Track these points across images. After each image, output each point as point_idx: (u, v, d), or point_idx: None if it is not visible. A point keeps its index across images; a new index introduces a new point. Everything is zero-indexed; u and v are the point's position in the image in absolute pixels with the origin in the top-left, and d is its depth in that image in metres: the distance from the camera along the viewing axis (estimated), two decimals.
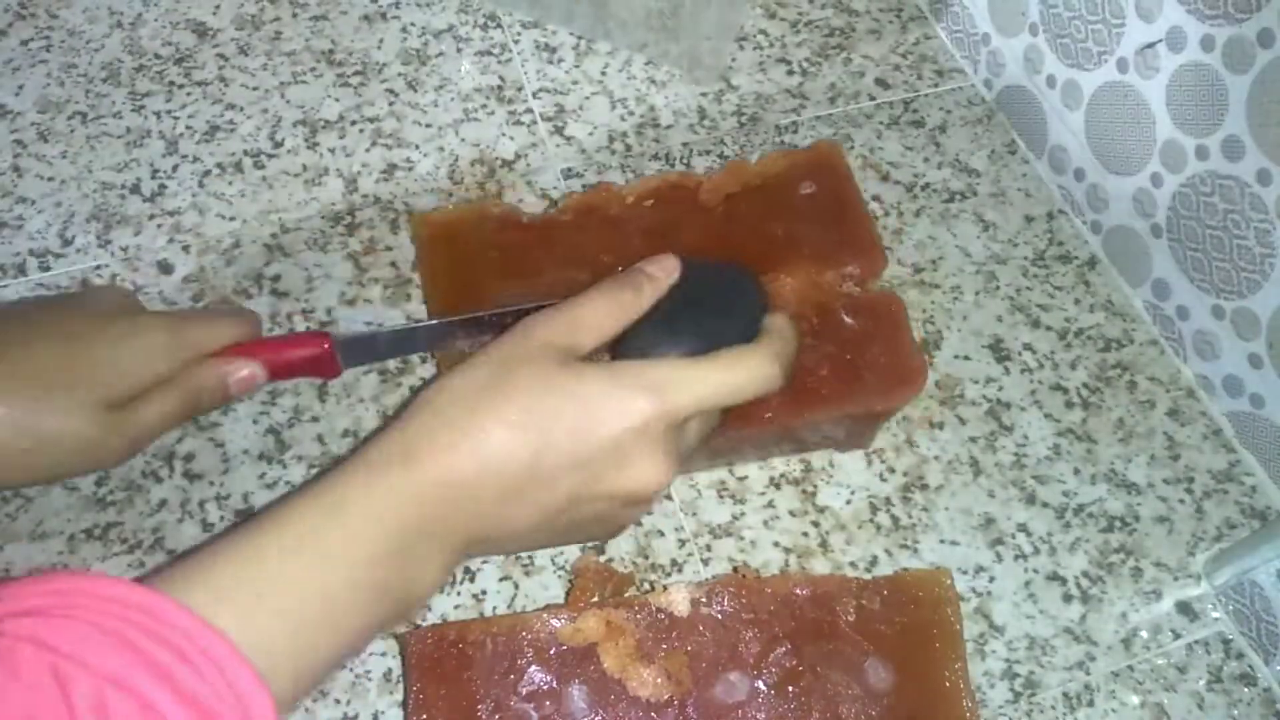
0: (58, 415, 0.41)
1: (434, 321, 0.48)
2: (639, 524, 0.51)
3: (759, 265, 0.49)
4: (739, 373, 0.39)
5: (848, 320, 0.50)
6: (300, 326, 0.55)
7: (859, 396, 0.48)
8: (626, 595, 0.48)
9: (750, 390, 0.40)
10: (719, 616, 0.44)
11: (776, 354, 0.41)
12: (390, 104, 0.63)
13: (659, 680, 0.43)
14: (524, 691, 0.42)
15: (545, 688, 0.42)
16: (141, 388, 0.43)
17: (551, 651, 0.43)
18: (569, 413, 0.37)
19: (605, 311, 0.40)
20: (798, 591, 0.45)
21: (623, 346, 0.41)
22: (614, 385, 0.37)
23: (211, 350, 0.46)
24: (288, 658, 0.32)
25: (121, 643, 0.28)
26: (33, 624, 0.28)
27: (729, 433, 0.46)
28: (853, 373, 0.48)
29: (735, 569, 0.49)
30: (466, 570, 0.49)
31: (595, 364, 0.39)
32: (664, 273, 0.43)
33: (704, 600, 0.44)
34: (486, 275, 0.51)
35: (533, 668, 0.43)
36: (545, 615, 0.44)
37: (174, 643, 0.29)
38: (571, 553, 0.50)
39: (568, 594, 0.48)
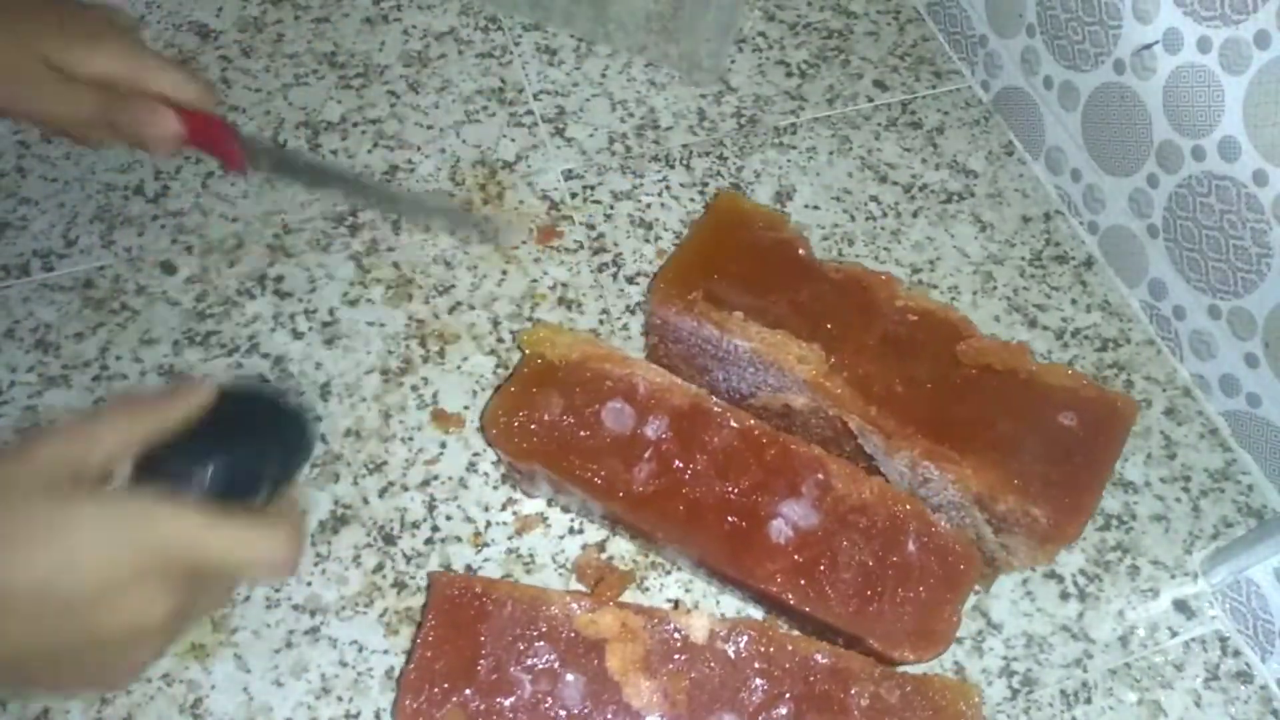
0: (9, 43, 0.45)
1: (347, 171, 0.49)
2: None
3: (951, 437, 0.46)
4: (253, 542, 0.36)
5: (912, 547, 0.46)
6: (303, 327, 0.55)
7: (862, 623, 0.44)
8: (633, 597, 0.48)
9: (261, 568, 0.37)
10: (733, 655, 0.44)
11: (295, 536, 0.37)
12: (392, 105, 0.63)
13: (655, 696, 0.43)
14: (526, 662, 0.43)
15: (546, 666, 0.43)
16: (84, 77, 0.46)
17: (564, 634, 0.43)
18: (48, 546, 0.33)
19: (121, 428, 0.36)
20: (818, 658, 0.44)
21: (148, 471, 0.37)
22: (104, 516, 0.34)
23: (155, 94, 0.48)
24: None
25: None
26: None
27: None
28: (874, 597, 0.45)
29: (764, 619, 0.48)
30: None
31: (93, 492, 0.35)
32: (192, 396, 0.38)
33: (723, 635, 0.44)
34: (734, 267, 0.51)
35: (541, 643, 0.43)
36: (569, 599, 0.44)
37: None
38: (572, 549, 0.50)
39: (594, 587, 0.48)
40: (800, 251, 0.52)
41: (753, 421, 0.48)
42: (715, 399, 0.48)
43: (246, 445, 0.39)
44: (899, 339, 0.50)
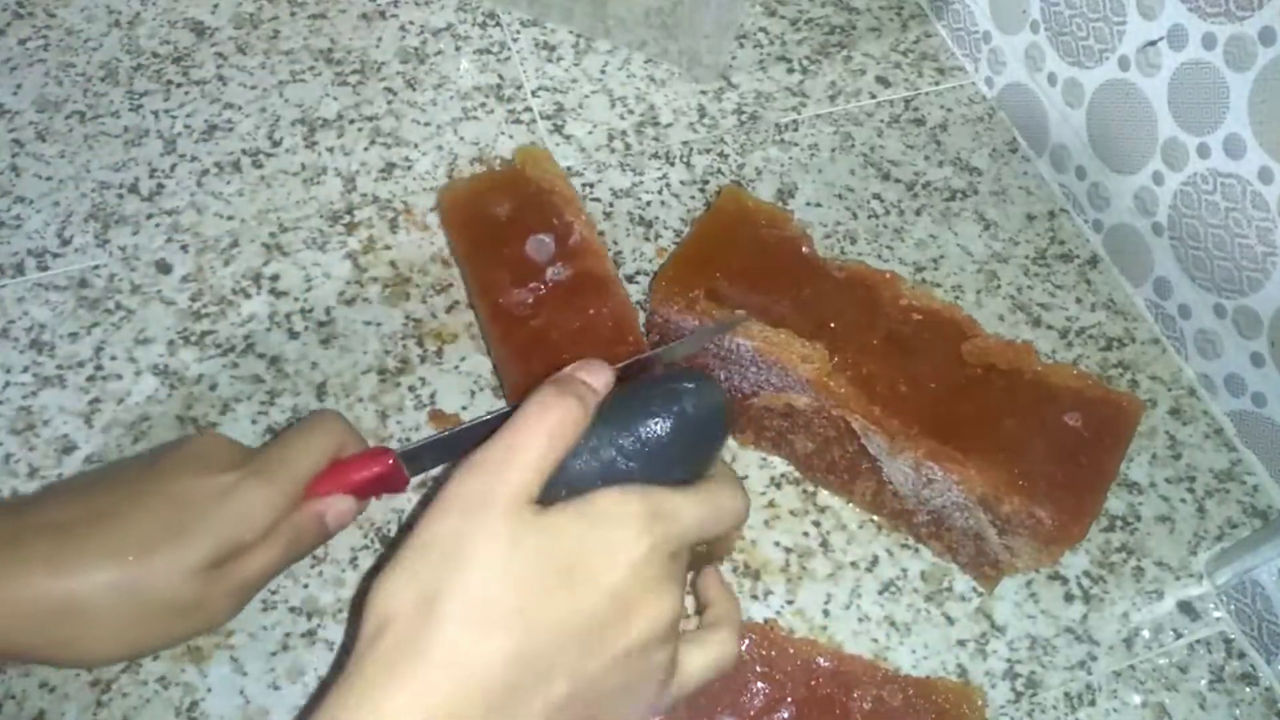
0: (160, 578, 0.38)
1: (490, 416, 0.43)
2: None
3: (955, 437, 0.46)
4: (723, 506, 0.36)
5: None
6: (299, 327, 0.54)
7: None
8: None
9: (726, 527, 0.37)
10: None
11: (741, 489, 0.38)
12: (389, 103, 0.63)
13: None
14: None
15: None
16: (244, 545, 0.40)
17: None
18: (547, 578, 0.32)
19: (548, 442, 0.34)
20: (821, 662, 0.44)
21: (554, 478, 0.35)
22: (592, 527, 0.33)
23: (308, 484, 0.42)
24: None
25: None
26: None
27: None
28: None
29: (766, 621, 0.48)
30: None
31: (560, 508, 0.33)
32: (600, 384, 0.36)
33: None
34: (737, 265, 0.51)
35: None
36: None
37: None
38: None
39: None
40: (804, 249, 0.51)
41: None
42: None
43: (671, 442, 0.36)
44: (903, 338, 0.49)
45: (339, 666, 0.33)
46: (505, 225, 0.53)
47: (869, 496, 0.51)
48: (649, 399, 0.37)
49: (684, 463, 0.37)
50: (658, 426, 0.36)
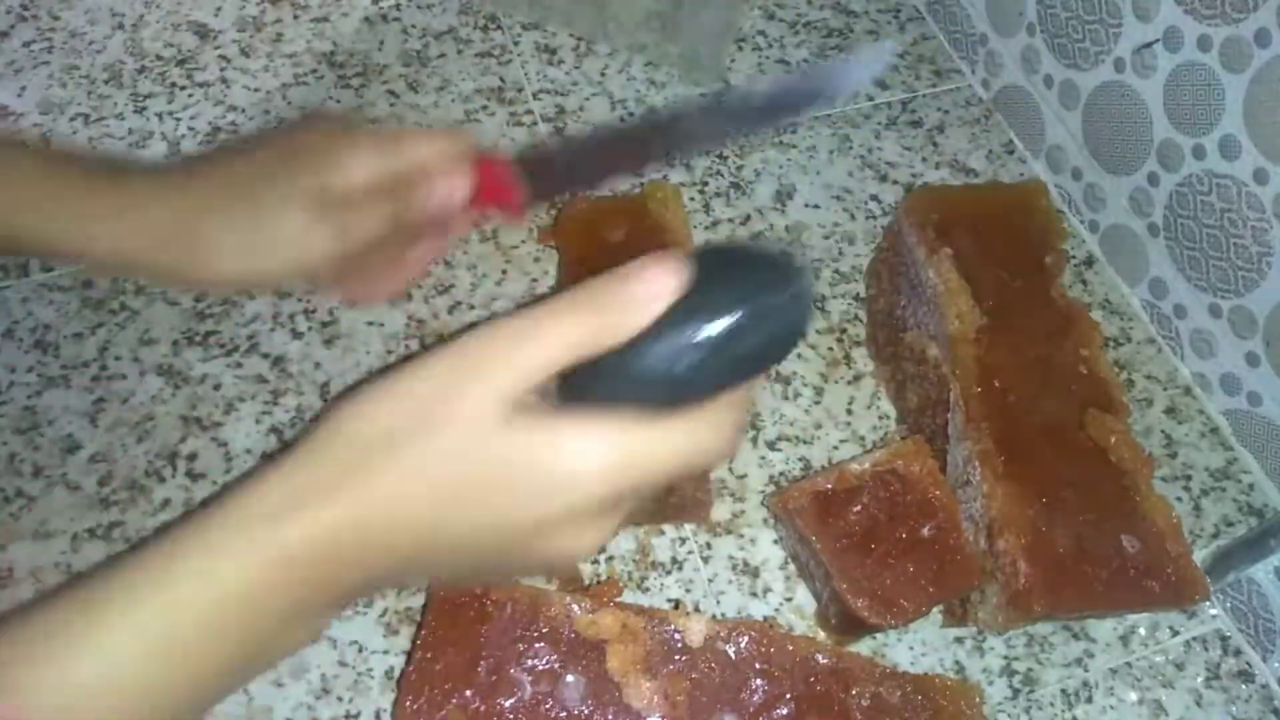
0: (273, 208, 0.43)
1: (627, 126, 0.42)
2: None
3: (1016, 464, 0.46)
4: (702, 450, 0.33)
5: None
6: (303, 327, 0.55)
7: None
8: (633, 597, 0.48)
9: (703, 469, 0.36)
10: (733, 656, 0.44)
11: (739, 425, 0.35)
12: (391, 105, 0.63)
13: (655, 697, 0.43)
14: (526, 663, 0.43)
15: (546, 667, 0.43)
16: (353, 192, 0.44)
17: (564, 635, 0.43)
18: (494, 480, 0.32)
19: (568, 343, 0.32)
20: (819, 658, 0.44)
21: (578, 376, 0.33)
22: (556, 456, 0.32)
23: (422, 164, 0.45)
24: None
25: None
26: None
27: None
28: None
29: (765, 619, 0.49)
30: None
31: (536, 421, 0.32)
32: (658, 296, 0.32)
33: (723, 635, 0.44)
34: (989, 231, 0.52)
35: (541, 644, 0.43)
36: (569, 599, 0.44)
37: None
38: None
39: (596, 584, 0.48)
40: (1048, 260, 0.53)
41: None
42: None
43: (718, 348, 0.31)
44: (1053, 372, 0.49)
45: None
46: (613, 249, 0.52)
47: None
48: (732, 299, 0.31)
49: (734, 377, 0.33)
50: (726, 341, 0.31)
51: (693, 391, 0.33)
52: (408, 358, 0.42)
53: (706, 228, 0.60)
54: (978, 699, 0.44)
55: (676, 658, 0.44)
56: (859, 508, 0.46)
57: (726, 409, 0.34)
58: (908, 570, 0.45)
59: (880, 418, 0.55)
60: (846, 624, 0.46)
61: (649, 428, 0.32)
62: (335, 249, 0.44)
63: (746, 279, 0.32)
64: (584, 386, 0.33)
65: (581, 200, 0.55)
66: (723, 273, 0.32)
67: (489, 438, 0.32)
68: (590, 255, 0.53)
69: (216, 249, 0.43)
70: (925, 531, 0.46)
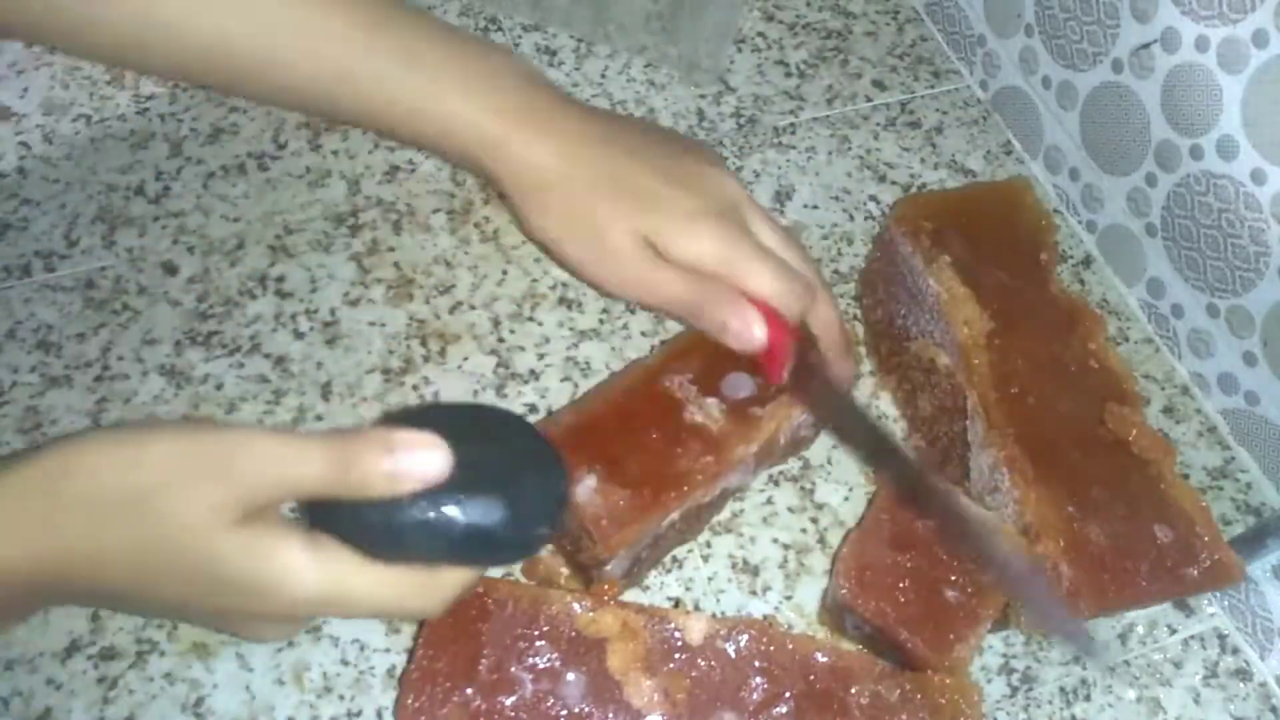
0: (613, 217, 0.44)
1: (906, 454, 0.45)
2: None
3: (1044, 467, 0.46)
4: (406, 605, 0.35)
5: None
6: (304, 327, 0.55)
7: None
8: (633, 596, 0.48)
9: (403, 617, 0.38)
10: (733, 654, 0.44)
11: (453, 595, 0.36)
12: None
13: (655, 696, 0.43)
14: (527, 661, 0.43)
15: (547, 665, 0.43)
16: (677, 259, 0.45)
17: (564, 633, 0.43)
18: (202, 579, 0.33)
19: (312, 481, 0.33)
20: (818, 657, 0.44)
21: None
22: (254, 572, 0.33)
23: (747, 289, 0.45)
24: None
25: None
26: None
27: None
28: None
29: (764, 617, 0.49)
30: None
31: (262, 530, 0.33)
32: (423, 477, 0.33)
33: (722, 634, 0.44)
34: (980, 233, 0.52)
35: (542, 642, 0.43)
36: (569, 598, 0.44)
37: None
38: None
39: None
40: (1043, 256, 0.52)
41: None
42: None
43: (470, 536, 0.34)
44: (1065, 368, 0.50)
45: None
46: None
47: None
48: (492, 486, 0.34)
49: (466, 559, 0.36)
50: (464, 535, 0.34)
51: (419, 558, 0.35)
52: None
53: None
54: (976, 697, 0.44)
55: (676, 656, 0.44)
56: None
57: (448, 579, 0.36)
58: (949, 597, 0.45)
59: (878, 418, 0.55)
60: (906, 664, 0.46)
61: (363, 571, 0.33)
62: (628, 290, 0.46)
63: (510, 483, 0.35)
64: (321, 511, 0.34)
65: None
66: (487, 466, 0.34)
67: (209, 535, 0.32)
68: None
69: (551, 211, 0.45)
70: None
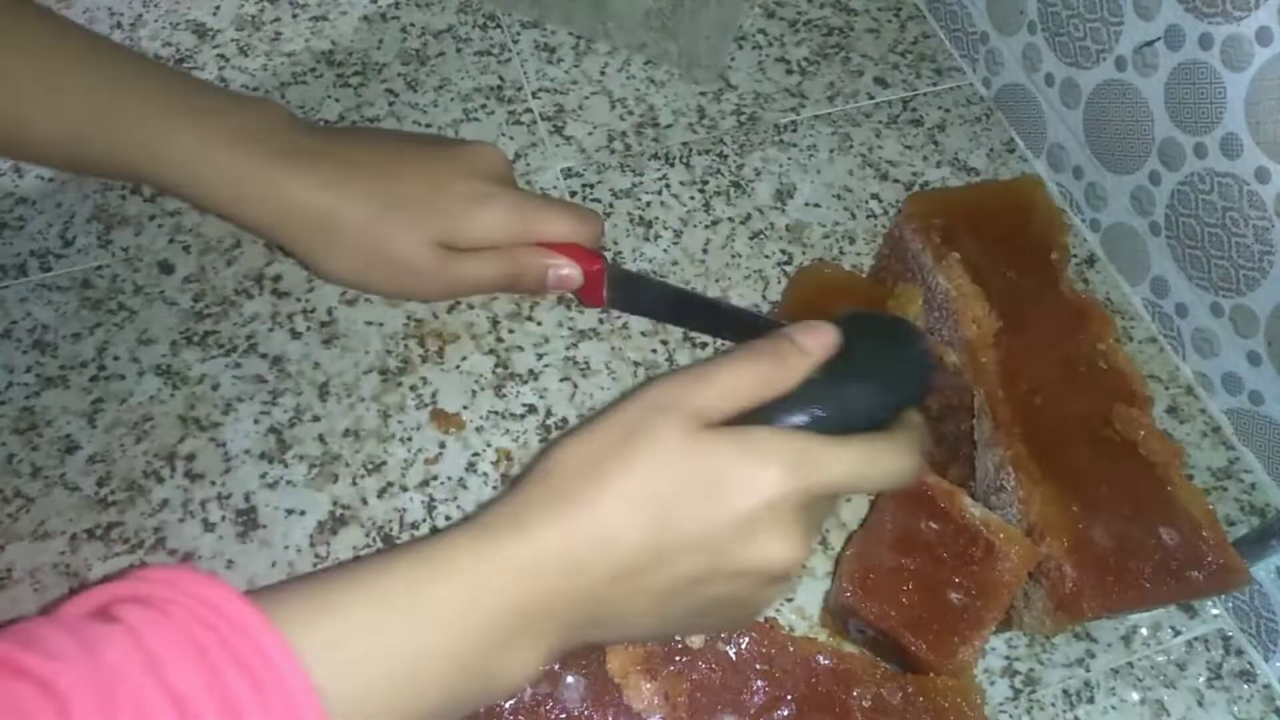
0: (399, 235, 0.47)
1: (709, 297, 0.50)
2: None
3: (1049, 467, 0.46)
4: (879, 464, 0.37)
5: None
6: (301, 327, 0.55)
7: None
8: None
9: (884, 484, 0.39)
10: (733, 657, 0.44)
11: (915, 449, 0.39)
12: (390, 104, 0.63)
13: (656, 698, 0.43)
14: None
15: (546, 667, 0.42)
16: (473, 246, 0.48)
17: None
18: (694, 488, 0.35)
19: (746, 384, 0.37)
20: (820, 659, 0.44)
21: (752, 411, 0.38)
22: (743, 455, 0.35)
23: (546, 240, 0.49)
24: (348, 708, 0.31)
25: (203, 661, 0.28)
26: (139, 613, 0.29)
27: None
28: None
29: (765, 619, 0.48)
30: None
31: (724, 431, 0.36)
32: (819, 348, 0.38)
33: (723, 637, 0.44)
34: (994, 233, 0.52)
35: None
36: None
37: (253, 668, 0.28)
38: None
39: None
40: (1053, 256, 0.52)
41: None
42: None
43: (863, 392, 0.39)
44: (1074, 368, 0.49)
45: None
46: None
47: (954, 484, 0.51)
48: (863, 365, 0.39)
49: (870, 422, 0.39)
50: (860, 391, 0.39)
51: (854, 427, 0.38)
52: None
53: (706, 226, 0.60)
54: (979, 699, 0.44)
55: (677, 658, 0.43)
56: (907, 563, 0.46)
57: (902, 430, 0.39)
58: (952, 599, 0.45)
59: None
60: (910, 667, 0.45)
61: (825, 438, 0.37)
62: (444, 294, 0.50)
63: (889, 351, 0.41)
64: (756, 419, 0.38)
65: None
66: (863, 336, 0.40)
67: (682, 450, 0.35)
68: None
69: (339, 251, 0.48)
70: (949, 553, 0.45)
